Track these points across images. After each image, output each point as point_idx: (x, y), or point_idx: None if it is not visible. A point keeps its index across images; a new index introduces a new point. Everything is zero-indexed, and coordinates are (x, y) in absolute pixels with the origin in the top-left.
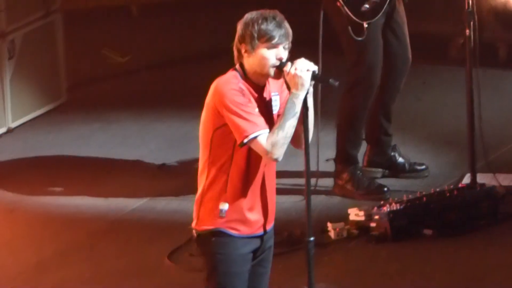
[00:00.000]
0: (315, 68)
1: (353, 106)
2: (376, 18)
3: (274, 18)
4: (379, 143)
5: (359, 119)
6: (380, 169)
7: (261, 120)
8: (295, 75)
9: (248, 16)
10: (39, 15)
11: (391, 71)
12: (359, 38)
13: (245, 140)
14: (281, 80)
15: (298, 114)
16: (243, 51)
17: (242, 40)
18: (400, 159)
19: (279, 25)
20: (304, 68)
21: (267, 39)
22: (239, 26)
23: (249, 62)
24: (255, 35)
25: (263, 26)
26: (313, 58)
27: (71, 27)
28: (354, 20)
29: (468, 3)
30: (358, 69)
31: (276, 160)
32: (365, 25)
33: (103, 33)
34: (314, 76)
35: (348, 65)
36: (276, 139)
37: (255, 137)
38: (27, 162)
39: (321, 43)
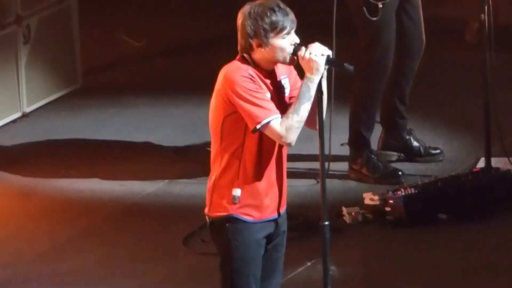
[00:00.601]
0: (329, 52)
1: (367, 88)
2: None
3: (279, 6)
4: (394, 126)
5: (373, 101)
6: (395, 153)
7: (272, 105)
8: (310, 60)
9: (251, 10)
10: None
11: (406, 53)
12: (374, 18)
13: (258, 126)
14: None
15: (312, 98)
16: (255, 45)
17: (254, 35)
18: (415, 143)
19: (286, 13)
20: (319, 53)
21: (280, 30)
22: (246, 22)
23: (263, 54)
24: (268, 28)
25: (274, 18)
26: (327, 43)
27: (86, 11)
28: (369, 0)
29: None
30: (372, 51)
31: (290, 144)
32: (380, 6)
33: (119, 17)
34: (328, 60)
35: (362, 46)
36: (291, 123)
37: (268, 122)
38: (42, 147)
39: (335, 27)
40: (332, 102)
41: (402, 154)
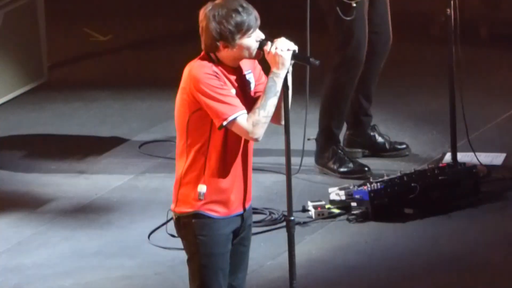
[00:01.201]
0: (295, 47)
1: (340, 85)
2: None
3: (242, 6)
4: (359, 123)
5: (345, 98)
6: (360, 150)
7: (238, 101)
8: (275, 54)
9: (214, 12)
10: None
11: (372, 50)
12: (348, 18)
13: (225, 123)
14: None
15: (278, 93)
16: (221, 47)
17: (220, 37)
18: (380, 139)
19: (249, 11)
20: (285, 47)
21: (246, 30)
22: (211, 25)
23: (229, 54)
24: (234, 30)
25: (239, 19)
26: (297, 39)
27: (52, 5)
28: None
29: None
30: (344, 48)
31: (257, 140)
32: (354, 5)
33: (85, 11)
34: (294, 55)
35: (335, 44)
36: (258, 119)
37: (235, 119)
38: (9, 141)
39: (309, 22)
40: (308, 98)
41: (367, 151)
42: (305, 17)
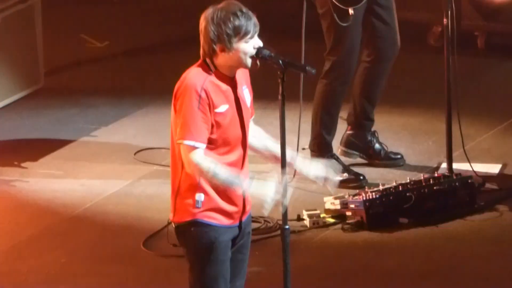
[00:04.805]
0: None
1: (329, 91)
2: (361, 3)
3: (241, 11)
4: (359, 126)
5: (336, 104)
6: (356, 152)
7: (202, 134)
8: (265, 196)
9: (213, 15)
10: None
11: (378, 55)
12: (344, 24)
13: (180, 141)
14: (247, 73)
15: (231, 185)
16: (218, 50)
17: (217, 40)
18: (377, 146)
19: (249, 17)
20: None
21: (244, 35)
22: (209, 27)
23: (227, 58)
24: (232, 33)
25: (237, 23)
26: (291, 47)
27: (49, 11)
28: (339, 6)
29: None
30: (335, 53)
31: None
32: (351, 11)
33: (82, 18)
34: (290, 64)
35: (327, 48)
36: (205, 167)
37: (190, 145)
38: (4, 147)
39: (304, 29)
40: (301, 107)
41: (362, 155)
42: (301, 25)
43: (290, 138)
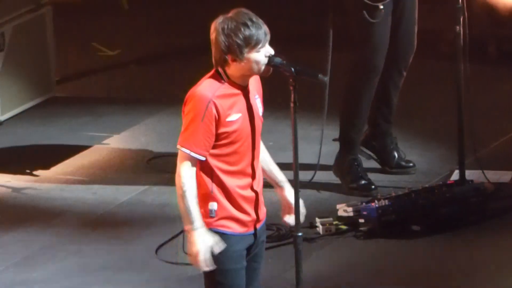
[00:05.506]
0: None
1: (355, 88)
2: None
3: (251, 20)
4: (377, 127)
5: (361, 102)
6: (370, 153)
7: (201, 146)
8: (192, 245)
9: (223, 25)
10: (29, 7)
11: (394, 56)
12: (374, 20)
13: (178, 146)
14: (259, 83)
15: (184, 217)
16: (230, 60)
17: (228, 51)
18: (393, 153)
19: (259, 26)
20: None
21: (255, 45)
22: (220, 38)
23: (238, 68)
24: (243, 44)
25: (247, 33)
26: (304, 55)
27: (61, 20)
28: (368, 3)
29: None
30: (362, 50)
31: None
32: (381, 7)
33: (94, 26)
34: (303, 71)
35: (354, 45)
36: (181, 184)
37: (185, 152)
38: (17, 155)
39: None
40: (326, 113)
41: (376, 157)
42: (327, 34)
43: (303, 146)
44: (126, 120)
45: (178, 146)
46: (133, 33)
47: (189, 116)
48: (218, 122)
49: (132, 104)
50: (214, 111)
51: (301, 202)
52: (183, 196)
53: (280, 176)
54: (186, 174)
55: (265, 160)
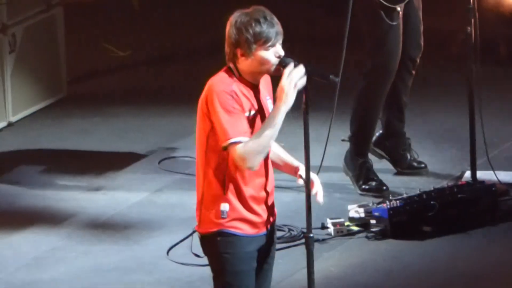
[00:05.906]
0: (304, 83)
1: (369, 92)
2: (406, 0)
3: (265, 18)
4: (389, 127)
5: (374, 106)
6: (383, 153)
7: (244, 127)
8: (282, 89)
9: (237, 19)
10: (40, 8)
11: (403, 56)
12: (394, 23)
13: (225, 144)
14: (270, 84)
15: (277, 126)
16: (239, 55)
17: (238, 45)
18: (406, 154)
19: (272, 24)
20: (298, 81)
21: (264, 42)
22: (231, 30)
23: (247, 64)
24: (252, 39)
25: (258, 29)
26: (310, 55)
27: (72, 20)
28: (385, 5)
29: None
30: (376, 54)
31: (250, 168)
32: (398, 9)
33: (104, 27)
34: (313, 72)
35: (367, 49)
36: (251, 147)
37: (233, 143)
38: (27, 156)
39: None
40: (334, 114)
41: (388, 158)
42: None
43: (314, 146)
44: (137, 121)
45: (224, 144)
46: (144, 33)
47: (217, 112)
48: (242, 109)
49: (142, 105)
50: (238, 97)
51: (316, 177)
52: (261, 145)
53: (296, 162)
54: (241, 149)
55: (278, 152)
